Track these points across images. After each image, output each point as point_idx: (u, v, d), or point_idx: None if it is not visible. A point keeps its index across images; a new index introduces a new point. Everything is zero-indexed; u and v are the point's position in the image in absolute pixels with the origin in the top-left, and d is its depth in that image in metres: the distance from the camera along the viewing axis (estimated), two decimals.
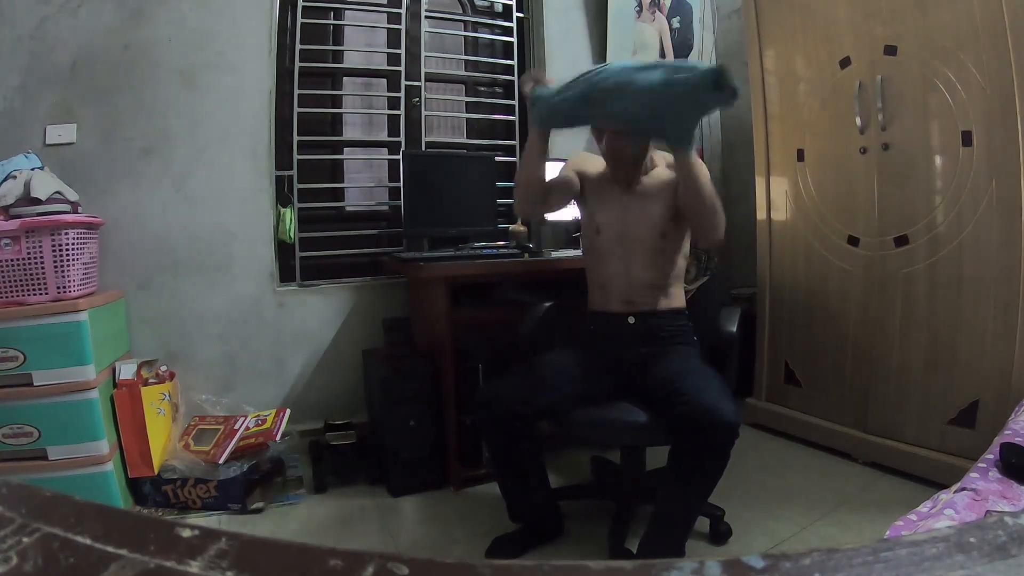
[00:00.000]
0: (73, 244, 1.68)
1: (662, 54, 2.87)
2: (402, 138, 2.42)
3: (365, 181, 2.53)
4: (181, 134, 2.06)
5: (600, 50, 2.72)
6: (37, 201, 1.66)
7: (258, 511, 1.78)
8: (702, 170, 1.47)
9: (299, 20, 2.25)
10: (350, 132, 2.49)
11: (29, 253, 1.63)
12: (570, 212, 1.96)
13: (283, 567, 0.19)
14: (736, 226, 2.89)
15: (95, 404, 1.66)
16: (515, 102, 2.64)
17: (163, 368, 1.95)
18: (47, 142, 1.89)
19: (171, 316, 2.07)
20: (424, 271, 1.91)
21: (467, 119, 2.67)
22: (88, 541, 0.20)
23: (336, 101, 2.44)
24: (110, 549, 0.19)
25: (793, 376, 2.30)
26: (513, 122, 2.67)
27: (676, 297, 1.62)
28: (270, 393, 2.20)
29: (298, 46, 2.23)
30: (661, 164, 1.62)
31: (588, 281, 1.68)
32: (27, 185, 1.67)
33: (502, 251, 2.12)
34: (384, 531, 1.70)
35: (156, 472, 1.76)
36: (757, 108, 2.38)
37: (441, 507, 1.83)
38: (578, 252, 2.07)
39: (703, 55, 3.01)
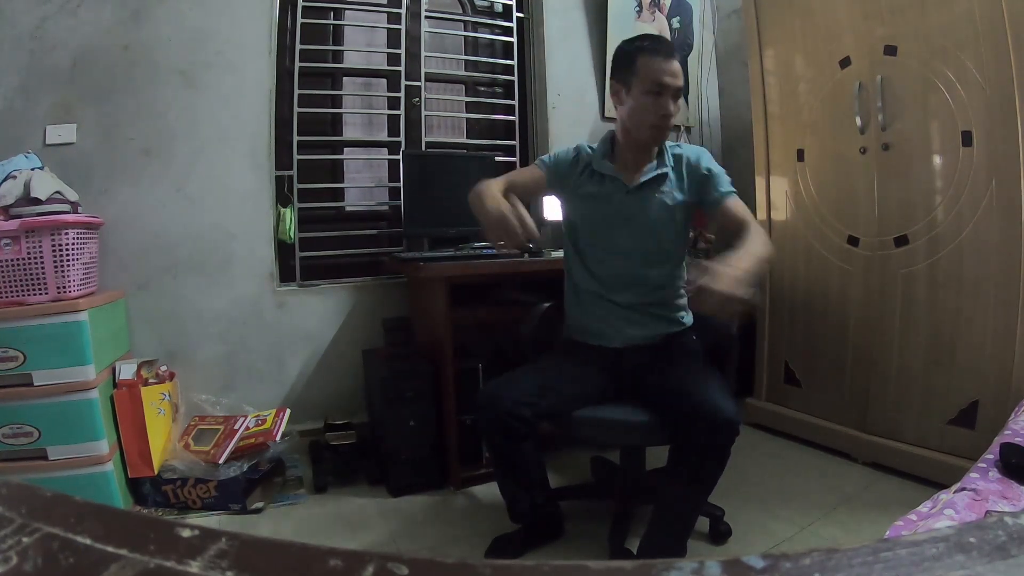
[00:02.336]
0: (73, 244, 1.68)
1: None
2: (402, 138, 2.42)
3: (365, 181, 2.53)
4: (181, 134, 2.06)
5: (600, 50, 2.72)
6: (37, 201, 1.66)
7: (258, 511, 1.78)
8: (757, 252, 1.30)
9: (299, 20, 2.25)
10: (350, 132, 2.48)
11: (29, 253, 1.63)
12: None
13: (283, 567, 0.19)
14: None
15: (95, 404, 1.66)
16: (515, 102, 2.64)
17: (163, 368, 1.95)
18: (47, 142, 1.89)
19: (171, 316, 2.07)
20: (424, 271, 1.91)
21: (467, 119, 2.68)
22: (88, 541, 0.20)
23: (336, 101, 2.44)
24: (110, 549, 0.19)
25: (793, 376, 2.30)
26: (513, 122, 2.67)
27: (677, 315, 1.59)
28: (270, 393, 2.20)
29: (298, 46, 2.23)
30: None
31: (567, 302, 1.64)
32: (27, 185, 1.67)
33: (502, 251, 2.11)
34: (384, 531, 1.70)
35: (156, 472, 1.76)
36: (757, 108, 2.38)
37: (441, 507, 1.83)
38: None
39: (703, 55, 3.01)
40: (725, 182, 1.52)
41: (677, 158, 1.55)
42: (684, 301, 1.60)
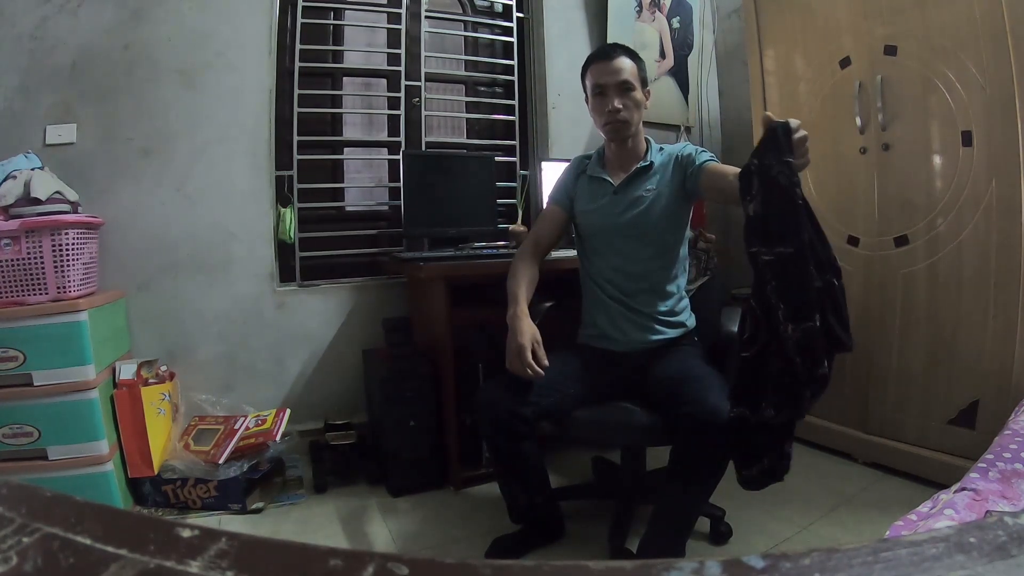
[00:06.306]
0: (73, 244, 1.68)
1: (662, 54, 2.87)
2: (402, 138, 2.42)
3: (365, 181, 2.53)
4: (181, 134, 2.06)
5: None
6: (37, 201, 1.66)
7: (258, 511, 1.78)
8: None
9: (299, 20, 2.25)
10: (350, 132, 2.48)
11: (29, 253, 1.63)
12: None
13: (283, 567, 0.19)
14: (736, 226, 2.91)
15: (95, 404, 1.66)
16: (515, 102, 2.64)
17: (163, 368, 1.95)
18: (47, 142, 1.89)
19: (171, 316, 2.07)
20: (424, 271, 1.91)
21: (467, 119, 2.68)
22: (88, 541, 0.20)
23: (336, 101, 2.44)
24: (110, 549, 0.19)
25: None
26: (513, 122, 2.67)
27: (682, 315, 1.60)
28: (270, 393, 2.20)
29: (298, 46, 2.23)
30: (652, 152, 1.60)
31: (583, 307, 1.66)
32: (27, 185, 1.67)
33: (502, 251, 2.11)
34: (384, 531, 1.70)
35: (156, 472, 1.76)
36: (757, 108, 2.38)
37: (441, 507, 1.83)
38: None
39: (703, 55, 3.01)
40: (703, 154, 1.53)
41: (667, 154, 1.59)
42: (686, 303, 1.62)
